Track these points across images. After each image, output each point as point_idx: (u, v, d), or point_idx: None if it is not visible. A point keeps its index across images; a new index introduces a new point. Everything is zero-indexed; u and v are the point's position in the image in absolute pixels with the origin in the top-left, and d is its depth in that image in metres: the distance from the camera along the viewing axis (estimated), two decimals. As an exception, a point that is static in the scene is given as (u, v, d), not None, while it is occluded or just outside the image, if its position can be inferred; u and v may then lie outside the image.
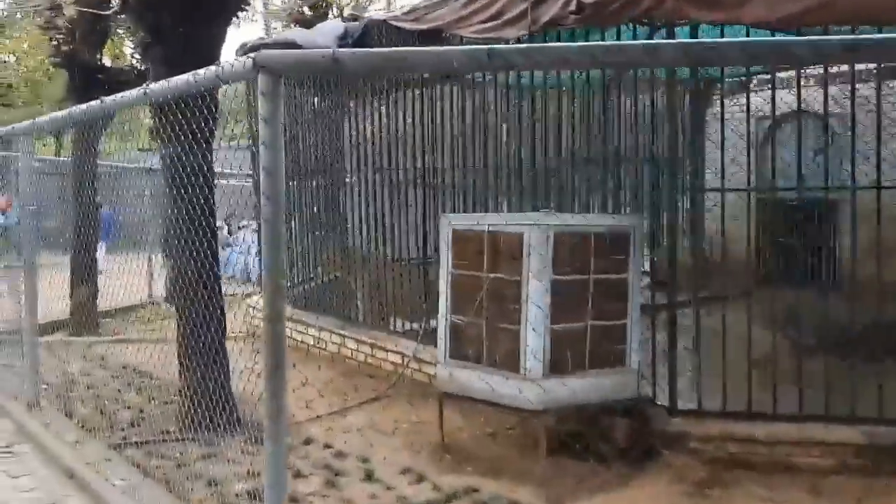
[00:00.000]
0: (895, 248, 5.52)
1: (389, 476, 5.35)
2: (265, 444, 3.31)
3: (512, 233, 5.21)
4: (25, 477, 5.39)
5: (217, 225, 6.60)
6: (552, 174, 7.38)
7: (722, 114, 5.87)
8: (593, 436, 5.49)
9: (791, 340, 5.90)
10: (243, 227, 17.37)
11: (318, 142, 9.48)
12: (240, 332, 8.89)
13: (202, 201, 5.88)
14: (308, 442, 5.97)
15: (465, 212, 7.38)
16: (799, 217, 7.36)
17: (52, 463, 5.57)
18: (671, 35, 5.54)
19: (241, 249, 16.81)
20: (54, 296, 9.01)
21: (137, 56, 11.25)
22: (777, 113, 5.74)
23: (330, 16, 15.23)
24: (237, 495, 4.97)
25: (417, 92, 8.22)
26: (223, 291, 6.52)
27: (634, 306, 5.49)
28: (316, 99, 9.50)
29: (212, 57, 5.90)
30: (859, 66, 5.95)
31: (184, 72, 3.92)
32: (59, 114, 5.76)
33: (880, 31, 4.88)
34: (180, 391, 6.39)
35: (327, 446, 5.93)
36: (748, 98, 6.05)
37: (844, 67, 6.12)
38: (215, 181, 6.35)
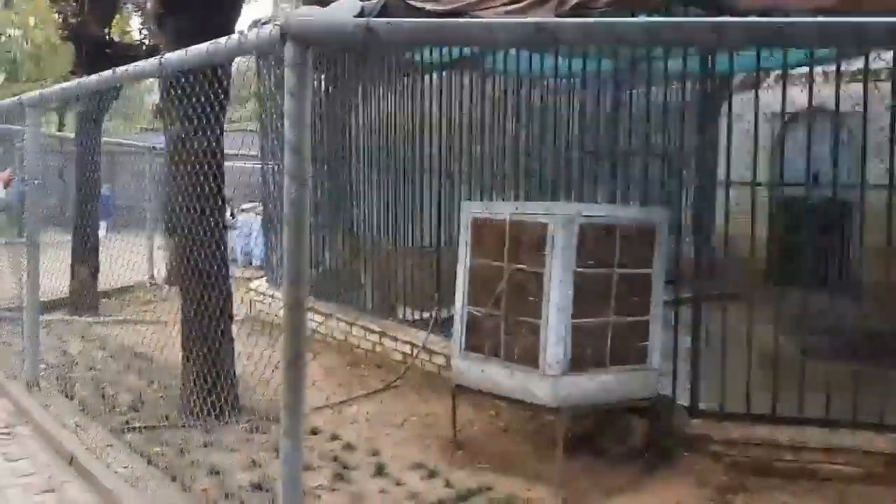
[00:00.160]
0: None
1: (400, 470, 5.17)
2: (281, 442, 3.13)
3: (535, 223, 5.01)
4: (24, 461, 5.21)
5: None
6: (567, 164, 7.18)
7: (727, 109, 5.65)
8: (610, 435, 5.32)
9: (816, 343, 5.72)
10: (245, 209, 17.18)
11: (325, 125, 9.27)
12: (244, 316, 8.80)
13: (211, 181, 5.70)
14: (315, 432, 5.78)
15: (479, 199, 7.19)
16: (824, 215, 7.17)
17: (52, 446, 5.39)
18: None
19: (243, 232, 16.61)
20: (54, 274, 8.81)
21: (146, 31, 11.04)
22: (795, 110, 5.54)
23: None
24: (241, 486, 4.80)
25: (430, 77, 8.02)
26: (227, 273, 6.33)
27: (657, 302, 5.30)
28: (323, 79, 9.29)
29: (226, 30, 5.69)
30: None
31: (196, 44, 3.73)
32: (70, 84, 5.55)
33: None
34: (183, 375, 6.22)
35: (335, 437, 5.75)
36: (756, 95, 5.81)
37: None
38: (224, 161, 6.14)
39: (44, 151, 6.88)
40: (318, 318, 8.67)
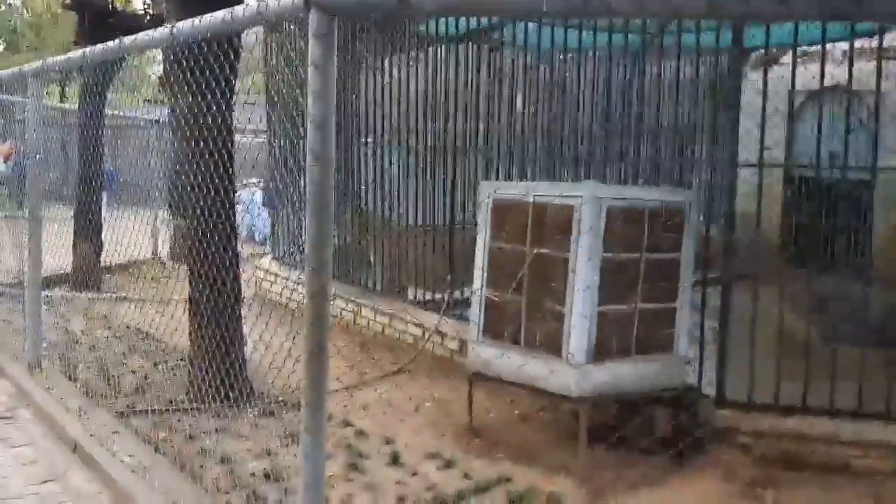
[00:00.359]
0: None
1: (415, 460, 4.99)
2: (302, 438, 2.92)
3: (561, 205, 4.79)
4: (26, 447, 5.02)
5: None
6: (585, 142, 6.96)
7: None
8: (634, 426, 5.13)
9: (839, 328, 5.52)
10: (247, 184, 16.97)
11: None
12: (251, 296, 8.60)
13: (221, 157, 5.48)
14: (328, 418, 5.57)
15: (494, 177, 6.97)
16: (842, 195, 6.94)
17: (55, 432, 5.20)
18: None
19: (246, 208, 16.40)
20: (56, 250, 8.60)
21: (149, 0, 10.77)
22: (815, 88, 5.30)
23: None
24: (252, 475, 4.62)
25: (444, 50, 7.78)
26: (237, 252, 6.13)
27: (685, 289, 5.09)
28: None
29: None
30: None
31: (204, 14, 3.49)
32: (74, 54, 5.29)
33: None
34: (190, 357, 6.04)
35: (347, 423, 5.57)
36: (765, 73, 5.57)
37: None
38: (234, 135, 5.92)
39: (46, 124, 6.62)
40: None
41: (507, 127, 7.42)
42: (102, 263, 10.79)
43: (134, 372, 6.60)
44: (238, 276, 6.07)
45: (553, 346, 4.80)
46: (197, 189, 5.58)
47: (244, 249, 12.70)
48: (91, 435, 4.94)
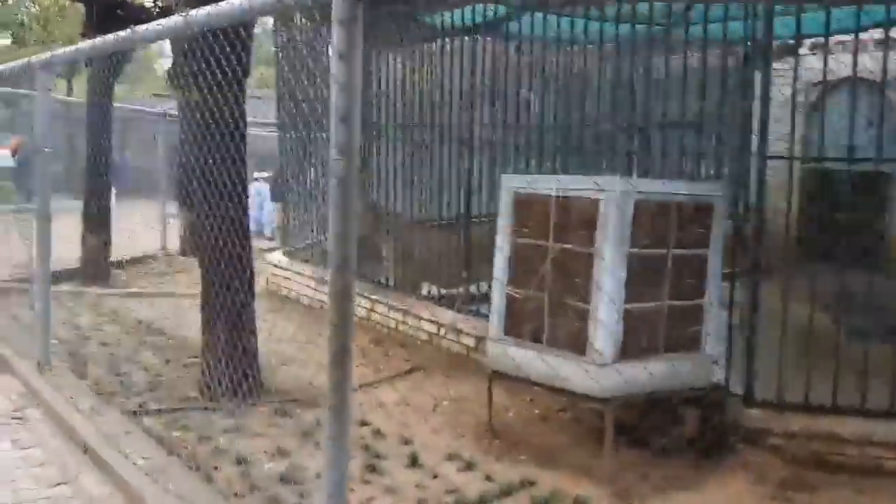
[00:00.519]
0: None
1: (435, 461, 4.84)
2: (325, 446, 2.79)
3: (585, 199, 4.64)
4: (36, 448, 4.89)
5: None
6: (603, 136, 6.80)
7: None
8: (660, 426, 4.99)
9: (862, 324, 5.36)
10: (256, 179, 16.89)
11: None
12: (261, 291, 8.47)
13: (233, 148, 5.35)
14: (343, 418, 5.44)
15: (512, 170, 6.80)
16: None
17: (65, 433, 5.07)
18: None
19: (255, 202, 16.33)
20: (63, 244, 8.48)
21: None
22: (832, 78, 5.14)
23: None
24: (268, 476, 4.49)
25: (459, 42, 7.63)
26: (250, 247, 6.01)
27: (714, 285, 4.94)
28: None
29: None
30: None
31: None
32: (83, 44, 5.16)
33: None
34: (203, 354, 5.92)
35: (364, 423, 5.43)
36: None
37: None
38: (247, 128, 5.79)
39: (54, 117, 6.49)
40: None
41: (525, 118, 7.25)
42: (111, 258, 10.71)
43: (145, 369, 6.49)
44: (252, 270, 5.96)
45: (577, 344, 4.65)
46: (209, 181, 5.45)
47: (255, 244, 12.65)
48: (103, 435, 4.82)
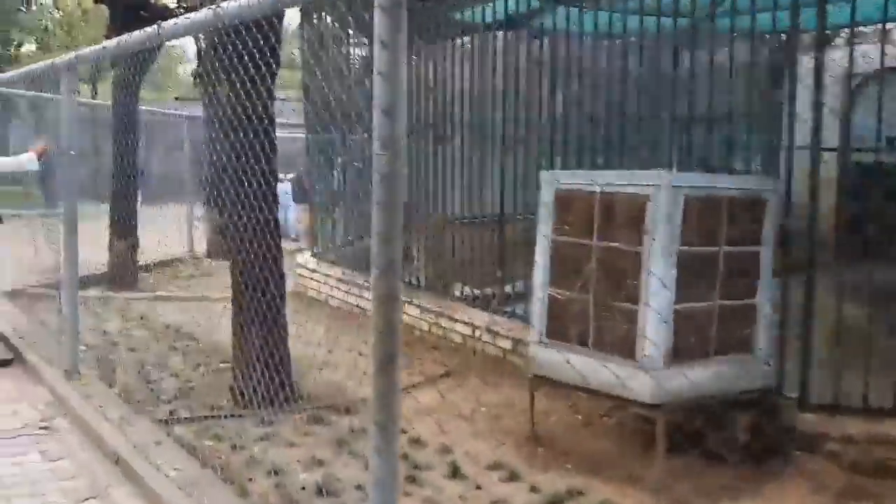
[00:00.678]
0: None
1: (476, 471, 4.64)
2: (371, 461, 2.60)
3: (632, 195, 4.43)
4: (64, 460, 4.74)
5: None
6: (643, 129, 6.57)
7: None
8: (711, 432, 4.76)
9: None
10: (280, 180, 16.77)
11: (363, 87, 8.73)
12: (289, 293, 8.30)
13: (263, 148, 5.20)
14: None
15: (548, 166, 6.60)
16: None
17: (94, 443, 4.92)
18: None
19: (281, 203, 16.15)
20: (90, 248, 8.37)
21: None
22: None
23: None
24: (303, 488, 4.32)
25: (491, 37, 7.46)
26: (280, 249, 5.86)
27: (766, 284, 4.71)
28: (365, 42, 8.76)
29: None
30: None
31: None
32: (109, 43, 5.00)
33: None
34: (234, 359, 5.77)
35: (401, 430, 5.23)
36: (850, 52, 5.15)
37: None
38: (276, 127, 5.64)
39: (79, 120, 6.36)
40: (369, 294, 8.19)
41: (555, 113, 7.05)
42: (138, 261, 10.62)
43: (175, 375, 6.35)
44: (282, 272, 5.80)
45: (625, 348, 4.44)
46: (238, 182, 5.30)
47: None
48: (133, 446, 4.66)
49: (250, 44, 4.17)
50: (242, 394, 5.55)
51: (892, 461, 4.55)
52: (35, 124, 12.31)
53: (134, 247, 10.34)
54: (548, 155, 6.84)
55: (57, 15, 26.34)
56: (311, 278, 9.60)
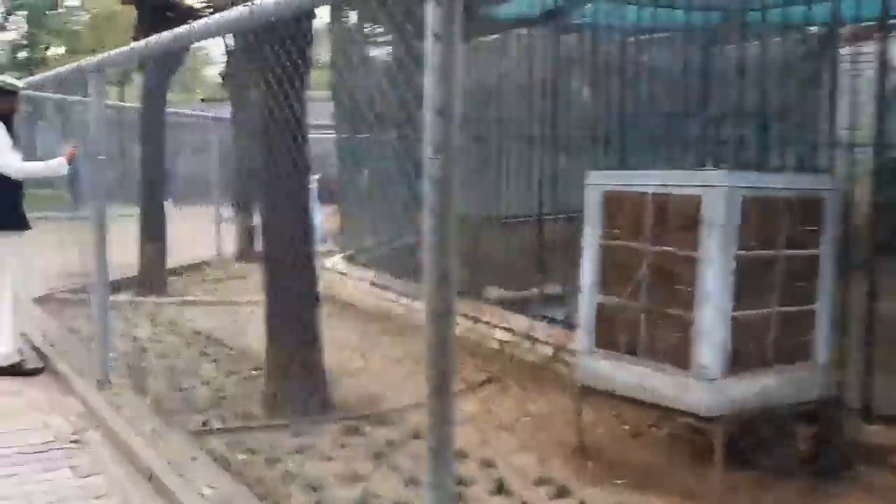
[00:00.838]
0: None
1: (523, 486, 4.42)
2: (427, 496, 2.39)
3: (686, 196, 4.20)
4: (97, 476, 4.58)
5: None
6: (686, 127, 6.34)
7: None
8: (769, 444, 4.53)
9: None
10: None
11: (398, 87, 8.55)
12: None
13: (295, 149, 5.02)
14: (417, 436, 5.04)
15: (588, 164, 6.38)
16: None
17: (126, 457, 4.75)
18: None
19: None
20: (119, 252, 8.25)
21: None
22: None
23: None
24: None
25: (523, 33, 7.26)
26: (313, 253, 5.69)
27: (827, 288, 4.47)
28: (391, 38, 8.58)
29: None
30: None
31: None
32: (137, 44, 4.85)
33: None
34: (267, 367, 5.60)
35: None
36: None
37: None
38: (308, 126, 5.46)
39: (108, 123, 6.22)
40: (399, 297, 8.02)
41: (596, 111, 6.84)
42: (167, 265, 10.51)
43: (206, 383, 6.19)
44: (315, 276, 5.63)
45: (680, 357, 4.21)
46: (271, 184, 5.14)
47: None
48: (166, 461, 4.49)
49: (288, 40, 3.98)
50: (276, 402, 5.39)
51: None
52: (62, 126, 12.25)
53: (163, 250, 10.22)
54: (590, 152, 6.62)
55: (84, 17, 26.38)
56: (341, 281, 9.43)
